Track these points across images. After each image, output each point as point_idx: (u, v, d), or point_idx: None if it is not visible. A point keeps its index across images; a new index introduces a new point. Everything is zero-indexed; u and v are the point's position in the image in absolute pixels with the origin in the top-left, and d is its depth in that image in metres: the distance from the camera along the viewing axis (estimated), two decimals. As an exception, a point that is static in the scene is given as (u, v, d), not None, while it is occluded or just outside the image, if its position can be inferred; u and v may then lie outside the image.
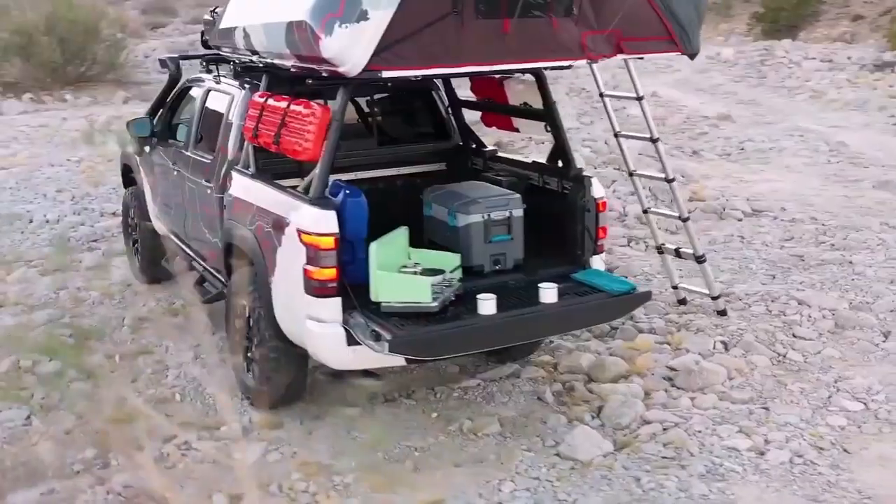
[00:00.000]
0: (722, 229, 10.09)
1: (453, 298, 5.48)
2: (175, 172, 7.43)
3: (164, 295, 8.23)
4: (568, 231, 6.13)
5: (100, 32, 21.09)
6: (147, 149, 8.17)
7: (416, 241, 6.05)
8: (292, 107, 5.64)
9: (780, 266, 8.71)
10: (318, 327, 5.36)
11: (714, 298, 7.38)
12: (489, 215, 5.92)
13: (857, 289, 7.94)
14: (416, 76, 5.35)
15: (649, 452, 5.42)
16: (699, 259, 7.34)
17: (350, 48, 4.99)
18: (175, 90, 8.00)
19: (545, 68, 5.99)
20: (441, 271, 5.56)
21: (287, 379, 5.99)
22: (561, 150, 6.30)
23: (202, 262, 7.19)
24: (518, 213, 6.03)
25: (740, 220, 10.43)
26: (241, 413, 6.19)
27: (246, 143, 6.29)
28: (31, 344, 7.24)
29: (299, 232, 5.39)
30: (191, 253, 7.40)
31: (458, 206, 5.97)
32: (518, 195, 6.11)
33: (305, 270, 5.34)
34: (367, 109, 7.23)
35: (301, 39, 5.22)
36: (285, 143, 5.64)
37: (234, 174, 6.39)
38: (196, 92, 7.54)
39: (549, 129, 6.41)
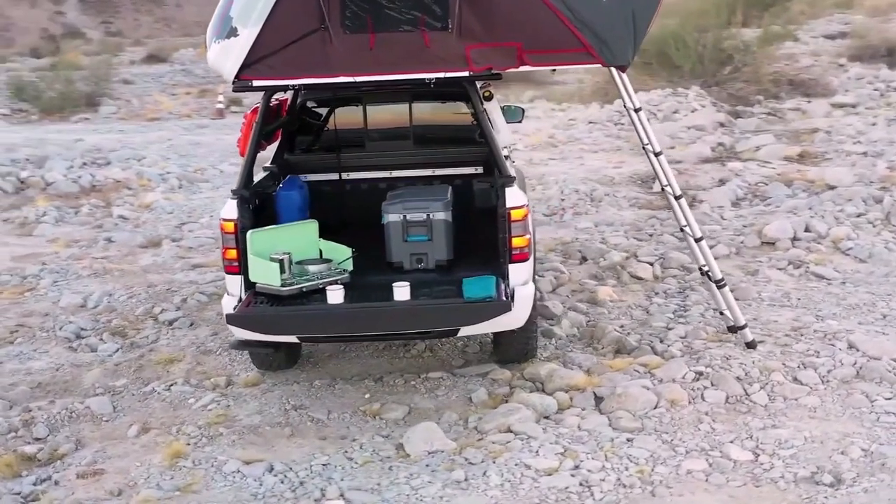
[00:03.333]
0: (907, 261, 8.86)
1: (320, 287, 5.99)
2: None
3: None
4: (493, 238, 6.25)
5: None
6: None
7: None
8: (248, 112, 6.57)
9: (912, 308, 7.58)
10: (226, 299, 6.25)
11: (738, 329, 6.80)
12: (406, 216, 6.27)
13: (950, 343, 6.74)
14: (292, 86, 5.96)
15: (465, 456, 5.50)
16: (718, 284, 6.81)
17: (221, 61, 5.82)
18: None
19: (428, 79, 6.12)
20: (328, 261, 6.12)
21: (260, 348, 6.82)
22: (491, 157, 6.37)
23: None
24: (440, 216, 6.27)
25: (952, 254, 9.01)
26: (245, 371, 7.23)
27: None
28: (173, 297, 8.95)
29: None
30: None
31: (385, 206, 6.41)
32: (446, 199, 6.35)
33: (222, 250, 6.26)
34: (421, 115, 7.78)
35: None
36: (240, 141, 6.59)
37: None
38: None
39: (478, 136, 6.53)
